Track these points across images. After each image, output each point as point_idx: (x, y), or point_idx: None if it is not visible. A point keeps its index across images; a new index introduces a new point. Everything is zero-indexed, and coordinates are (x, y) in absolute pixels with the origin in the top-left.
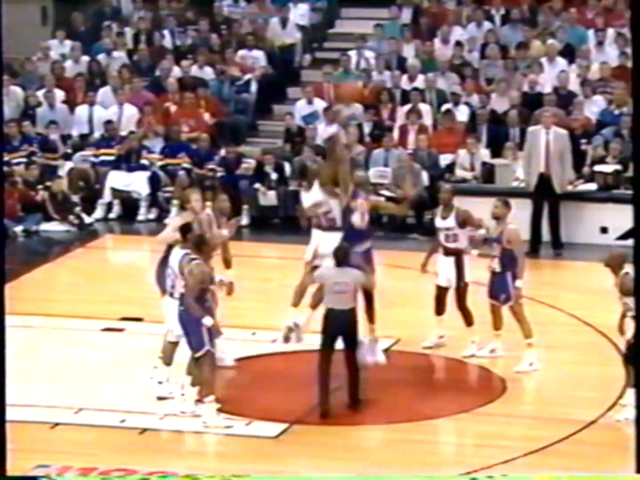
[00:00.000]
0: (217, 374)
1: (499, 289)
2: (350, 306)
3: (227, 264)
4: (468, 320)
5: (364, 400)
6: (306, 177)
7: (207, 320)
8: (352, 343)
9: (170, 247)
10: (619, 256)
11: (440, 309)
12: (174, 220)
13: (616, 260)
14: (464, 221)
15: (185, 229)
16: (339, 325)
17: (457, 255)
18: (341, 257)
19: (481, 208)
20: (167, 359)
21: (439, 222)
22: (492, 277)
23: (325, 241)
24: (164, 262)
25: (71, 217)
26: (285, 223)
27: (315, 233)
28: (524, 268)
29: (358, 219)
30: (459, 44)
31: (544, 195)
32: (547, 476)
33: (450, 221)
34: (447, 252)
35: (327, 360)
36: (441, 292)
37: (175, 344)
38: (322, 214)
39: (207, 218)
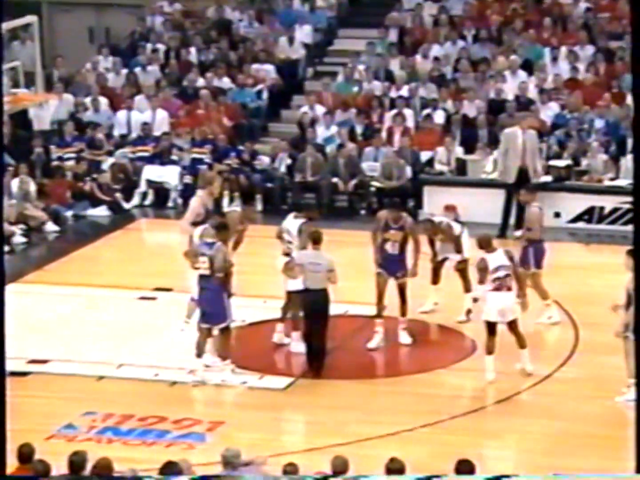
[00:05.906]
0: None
1: None
2: (322, 286)
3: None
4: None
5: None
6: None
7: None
8: (323, 319)
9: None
10: None
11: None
12: (193, 200)
13: None
14: None
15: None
16: (314, 302)
17: None
18: (317, 240)
19: (456, 197)
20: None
21: None
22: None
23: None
24: (191, 239)
25: (111, 203)
26: (290, 209)
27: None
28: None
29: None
30: (436, 59)
31: (520, 186)
32: (549, 477)
33: None
34: None
35: (309, 332)
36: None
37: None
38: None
39: (238, 216)
